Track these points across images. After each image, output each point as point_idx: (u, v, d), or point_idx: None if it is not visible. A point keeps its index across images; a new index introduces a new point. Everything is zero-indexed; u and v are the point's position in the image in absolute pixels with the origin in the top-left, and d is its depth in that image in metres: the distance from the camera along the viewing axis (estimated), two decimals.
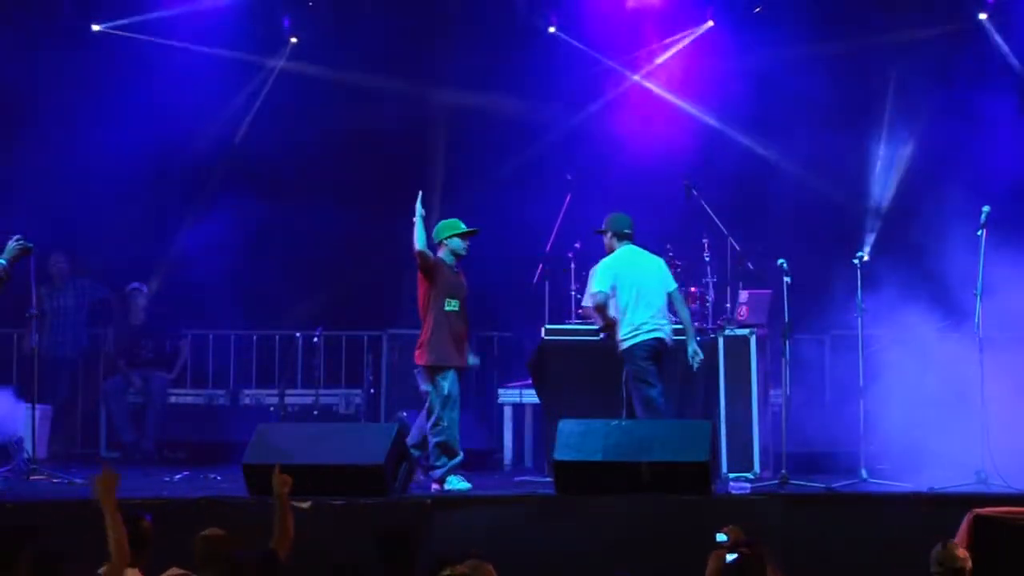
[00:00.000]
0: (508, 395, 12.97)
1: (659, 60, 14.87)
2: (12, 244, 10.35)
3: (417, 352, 10.75)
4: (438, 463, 10.59)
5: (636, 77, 14.94)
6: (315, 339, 13.83)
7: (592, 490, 9.78)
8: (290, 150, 14.84)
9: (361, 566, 6.98)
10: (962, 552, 7.10)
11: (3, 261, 10.32)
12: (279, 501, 7.48)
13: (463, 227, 10.89)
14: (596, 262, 12.43)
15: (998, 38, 14.24)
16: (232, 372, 14.65)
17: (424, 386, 10.72)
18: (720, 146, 14.55)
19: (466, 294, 10.87)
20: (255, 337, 14.74)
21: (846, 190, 14.39)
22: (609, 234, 11.20)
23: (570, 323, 12.12)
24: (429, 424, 10.64)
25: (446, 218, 11.09)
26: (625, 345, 10.87)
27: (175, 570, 6.80)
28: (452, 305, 10.72)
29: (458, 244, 10.85)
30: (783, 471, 10.56)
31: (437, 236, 10.88)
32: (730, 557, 6.83)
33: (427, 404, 10.68)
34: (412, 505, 9.86)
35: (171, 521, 9.34)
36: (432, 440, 10.61)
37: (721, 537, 7.13)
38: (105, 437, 13.91)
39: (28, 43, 14.10)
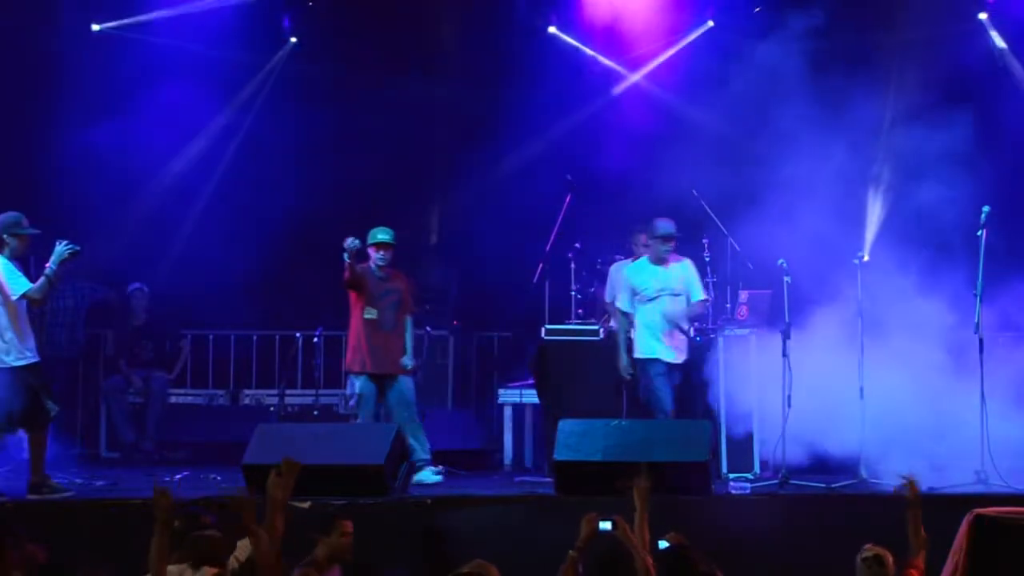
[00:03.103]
0: (508, 395, 12.96)
1: (659, 59, 14.86)
2: (61, 248, 10.34)
3: None
4: None
5: (636, 76, 14.92)
6: (315, 339, 13.82)
7: (592, 490, 9.77)
8: (290, 149, 14.84)
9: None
10: (891, 560, 7.23)
11: (53, 265, 10.31)
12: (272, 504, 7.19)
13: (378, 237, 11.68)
14: (596, 262, 12.46)
15: (998, 37, 14.20)
16: (232, 372, 14.65)
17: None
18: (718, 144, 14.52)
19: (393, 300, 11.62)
20: (255, 337, 14.74)
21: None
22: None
23: (570, 323, 12.11)
24: None
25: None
26: None
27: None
28: (371, 313, 11.51)
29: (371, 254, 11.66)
30: (783, 471, 10.55)
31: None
32: (663, 544, 7.06)
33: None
34: (412, 505, 9.87)
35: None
36: None
37: (663, 544, 7.28)
38: (105, 437, 13.91)
39: (28, 43, 14.09)
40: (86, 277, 13.83)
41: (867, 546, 7.41)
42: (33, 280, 10.29)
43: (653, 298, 11.22)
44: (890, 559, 7.31)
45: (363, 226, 14.49)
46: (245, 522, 6.92)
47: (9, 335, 10.24)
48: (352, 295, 11.62)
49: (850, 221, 12.68)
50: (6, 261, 10.31)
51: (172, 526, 6.90)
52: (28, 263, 10.80)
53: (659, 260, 11.28)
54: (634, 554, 7.19)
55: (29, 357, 10.29)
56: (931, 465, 10.18)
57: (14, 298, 10.24)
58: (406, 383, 11.53)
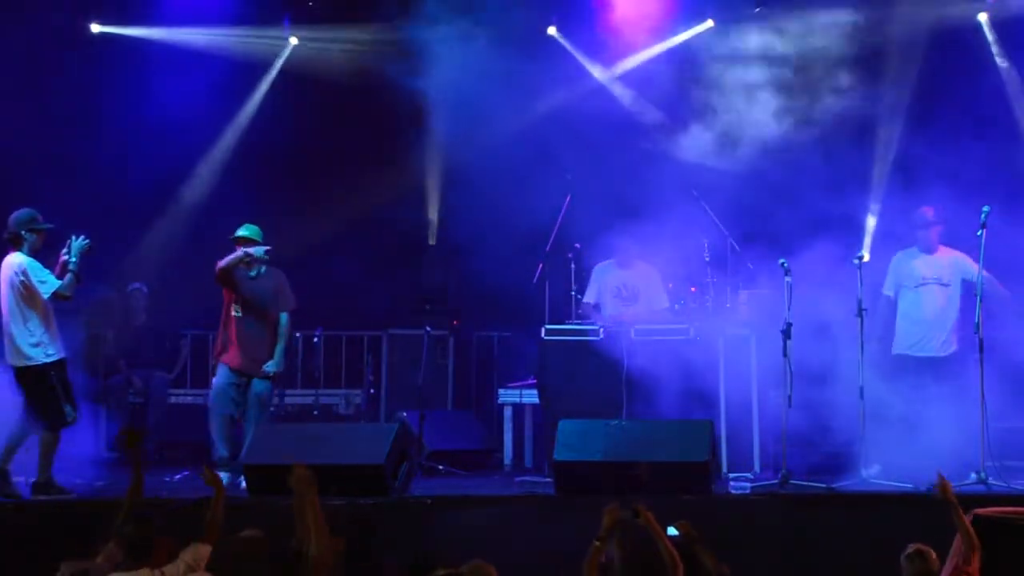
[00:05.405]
0: (508, 395, 12.96)
1: (657, 56, 14.84)
2: (80, 242, 10.35)
3: None
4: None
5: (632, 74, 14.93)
6: (315, 339, 13.83)
7: (592, 490, 9.78)
8: (290, 149, 14.83)
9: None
10: (933, 556, 7.23)
11: (75, 258, 10.32)
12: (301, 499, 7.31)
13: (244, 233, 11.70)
14: (595, 263, 12.43)
15: (996, 37, 14.19)
16: None
17: None
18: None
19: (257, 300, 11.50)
20: None
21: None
22: None
23: (570, 323, 12.10)
24: None
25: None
26: None
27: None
28: (236, 311, 11.42)
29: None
30: (783, 471, 10.55)
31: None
32: (671, 532, 7.21)
33: None
34: (412, 505, 9.87)
35: (171, 521, 9.36)
36: None
37: (672, 531, 7.29)
38: (105, 437, 13.89)
39: (28, 43, 14.08)
40: (86, 277, 13.81)
41: (910, 545, 7.42)
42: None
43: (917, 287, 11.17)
44: (933, 555, 7.31)
45: (361, 227, 14.59)
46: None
47: (39, 333, 10.29)
48: (224, 291, 11.48)
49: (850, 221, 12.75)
50: (31, 259, 10.35)
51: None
52: None
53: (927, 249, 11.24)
54: (660, 545, 7.16)
55: (53, 356, 10.38)
56: (931, 465, 10.19)
57: (45, 297, 10.28)
58: (263, 386, 11.41)
